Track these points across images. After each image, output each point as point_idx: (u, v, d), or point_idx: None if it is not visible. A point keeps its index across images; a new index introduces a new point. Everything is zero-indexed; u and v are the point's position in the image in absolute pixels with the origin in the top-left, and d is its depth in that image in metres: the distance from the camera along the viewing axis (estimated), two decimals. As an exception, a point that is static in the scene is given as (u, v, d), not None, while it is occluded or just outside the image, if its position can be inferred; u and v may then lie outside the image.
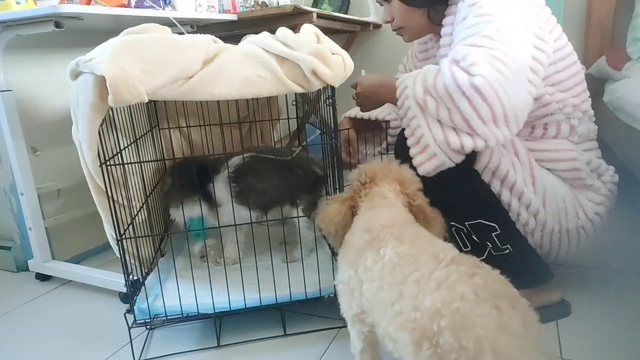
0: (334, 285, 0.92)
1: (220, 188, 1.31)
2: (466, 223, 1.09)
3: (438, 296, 0.63)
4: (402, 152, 1.09)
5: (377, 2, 1.33)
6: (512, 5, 1.03)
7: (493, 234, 1.08)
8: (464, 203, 1.08)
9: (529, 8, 1.06)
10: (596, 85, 1.89)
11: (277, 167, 1.32)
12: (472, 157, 1.05)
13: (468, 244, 1.11)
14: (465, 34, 1.02)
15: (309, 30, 1.17)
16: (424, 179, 0.97)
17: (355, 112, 1.45)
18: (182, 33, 1.54)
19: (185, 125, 1.63)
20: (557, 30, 1.11)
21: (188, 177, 1.29)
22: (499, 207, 1.10)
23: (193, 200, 1.32)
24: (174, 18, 1.59)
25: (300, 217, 1.33)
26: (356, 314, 0.85)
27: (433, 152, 1.01)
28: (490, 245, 1.09)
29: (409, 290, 0.68)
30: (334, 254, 1.36)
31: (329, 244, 1.45)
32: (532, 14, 1.06)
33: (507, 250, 1.09)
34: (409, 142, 1.06)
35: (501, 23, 0.99)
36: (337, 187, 1.19)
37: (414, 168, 1.01)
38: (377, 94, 1.21)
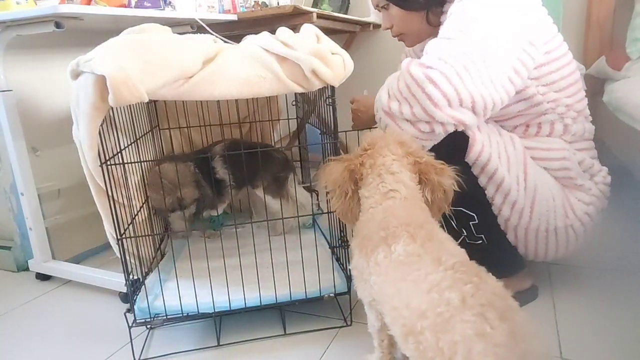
0: (349, 269, 0.95)
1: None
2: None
3: (426, 298, 0.67)
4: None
5: (375, 9, 1.34)
6: (499, 10, 1.06)
7: (471, 223, 1.13)
8: None
9: (517, 12, 1.07)
10: (596, 85, 1.89)
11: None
12: (464, 149, 1.09)
13: (445, 227, 1.13)
14: (440, 37, 1.09)
15: (309, 30, 1.17)
16: None
17: None
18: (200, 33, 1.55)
19: (185, 126, 1.64)
20: (550, 32, 1.13)
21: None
22: (483, 200, 1.13)
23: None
24: (200, 19, 1.64)
25: (301, 216, 1.34)
26: (370, 301, 0.89)
27: None
28: (465, 233, 1.15)
29: (406, 288, 0.72)
30: (334, 252, 1.37)
31: (328, 243, 1.46)
32: (519, 16, 1.07)
33: (480, 241, 1.15)
34: None
35: (479, 34, 1.05)
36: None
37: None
38: (366, 113, 1.28)
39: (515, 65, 1.06)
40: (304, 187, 1.73)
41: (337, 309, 1.25)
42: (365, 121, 1.29)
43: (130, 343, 1.14)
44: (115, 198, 1.08)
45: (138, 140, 1.32)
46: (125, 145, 1.20)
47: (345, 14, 2.46)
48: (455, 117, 1.03)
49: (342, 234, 1.24)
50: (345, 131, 1.46)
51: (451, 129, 1.06)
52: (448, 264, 0.71)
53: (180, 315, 1.15)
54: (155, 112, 1.60)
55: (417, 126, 1.06)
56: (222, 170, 1.51)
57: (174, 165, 1.36)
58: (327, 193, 0.98)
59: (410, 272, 0.73)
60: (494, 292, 0.66)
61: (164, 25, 1.29)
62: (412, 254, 0.75)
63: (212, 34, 1.39)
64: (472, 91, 1.02)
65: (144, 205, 1.34)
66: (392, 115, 1.09)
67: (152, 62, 0.97)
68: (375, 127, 1.41)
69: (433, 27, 1.25)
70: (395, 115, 1.08)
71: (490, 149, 1.08)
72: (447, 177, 0.92)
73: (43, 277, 1.61)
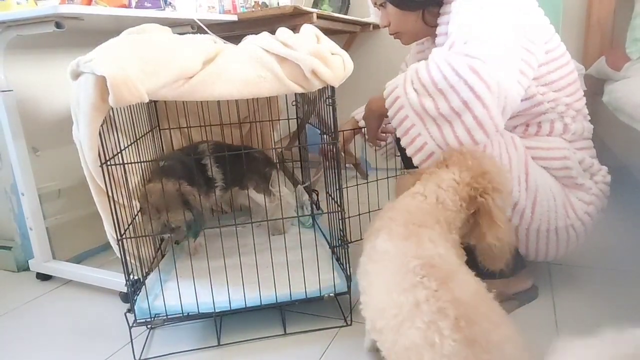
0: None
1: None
2: None
3: (385, 298, 0.69)
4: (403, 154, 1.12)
5: (374, 7, 1.34)
6: (503, 9, 1.05)
7: None
8: None
9: (519, 11, 1.07)
10: (596, 86, 1.89)
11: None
12: None
13: None
14: (457, 36, 1.05)
15: (308, 30, 1.17)
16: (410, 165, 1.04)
17: (359, 113, 1.51)
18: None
19: (185, 126, 1.64)
20: (549, 32, 1.13)
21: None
22: None
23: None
24: (200, 19, 1.64)
25: (301, 216, 1.34)
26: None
27: (431, 150, 1.04)
28: None
29: (375, 284, 0.75)
30: (334, 252, 1.37)
31: (328, 243, 1.46)
32: (522, 16, 1.07)
33: None
34: (404, 142, 1.07)
35: (492, 28, 1.02)
36: (337, 187, 1.19)
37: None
38: (368, 113, 1.25)
39: (521, 66, 1.04)
40: (304, 187, 1.73)
41: (337, 308, 1.25)
42: (370, 117, 1.26)
43: (130, 343, 1.14)
44: (116, 198, 1.08)
45: (138, 141, 1.32)
46: (126, 145, 1.20)
47: (346, 14, 2.46)
48: (494, 118, 0.97)
49: (342, 234, 1.24)
50: (345, 130, 1.47)
51: (481, 140, 0.98)
52: (410, 266, 0.70)
53: (181, 315, 1.15)
54: (156, 112, 1.60)
55: (443, 132, 1.00)
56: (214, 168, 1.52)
57: (159, 186, 1.23)
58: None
59: (380, 271, 0.75)
60: (455, 298, 0.64)
61: (164, 25, 1.29)
62: (384, 252, 0.77)
63: (210, 34, 1.39)
64: (507, 90, 0.98)
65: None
66: (423, 116, 1.02)
67: (152, 63, 0.97)
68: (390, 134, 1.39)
69: (429, 27, 1.25)
70: (429, 113, 1.00)
71: (491, 149, 1.08)
72: (493, 233, 0.85)
73: (43, 277, 1.61)
